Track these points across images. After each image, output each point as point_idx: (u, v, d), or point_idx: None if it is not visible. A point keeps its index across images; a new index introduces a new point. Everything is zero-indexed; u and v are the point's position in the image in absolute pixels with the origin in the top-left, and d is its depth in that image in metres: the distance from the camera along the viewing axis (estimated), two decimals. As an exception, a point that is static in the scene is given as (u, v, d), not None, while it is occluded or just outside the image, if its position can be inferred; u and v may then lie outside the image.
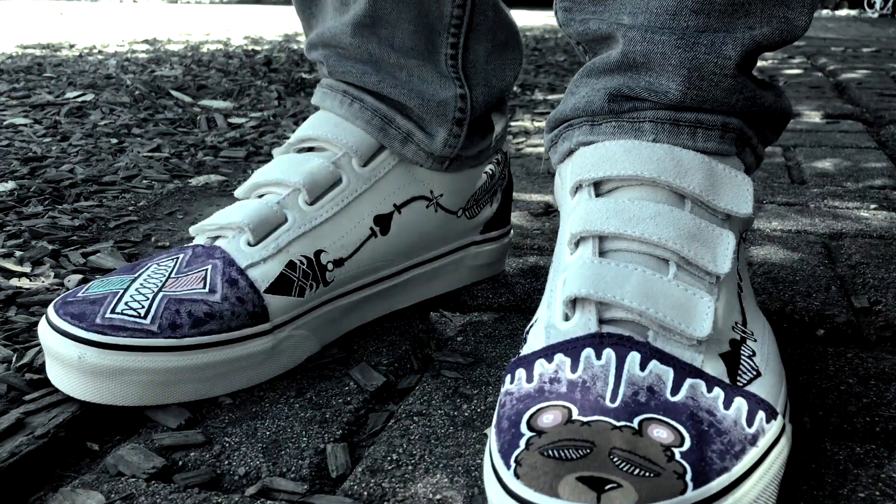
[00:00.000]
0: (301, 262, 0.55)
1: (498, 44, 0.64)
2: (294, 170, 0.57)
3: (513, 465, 0.35)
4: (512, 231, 0.75)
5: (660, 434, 0.35)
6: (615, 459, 0.34)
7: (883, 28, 4.85)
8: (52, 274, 0.72)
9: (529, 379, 0.40)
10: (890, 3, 6.82)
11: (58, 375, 0.50)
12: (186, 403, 0.51)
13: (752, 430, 0.37)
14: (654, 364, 0.39)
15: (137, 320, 0.49)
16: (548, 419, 0.37)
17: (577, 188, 0.49)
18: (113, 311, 0.49)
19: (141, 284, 0.51)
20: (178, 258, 0.54)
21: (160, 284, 0.51)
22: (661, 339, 0.41)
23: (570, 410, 0.37)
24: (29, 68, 2.19)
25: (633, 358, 0.39)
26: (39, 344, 0.56)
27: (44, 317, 0.51)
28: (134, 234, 0.85)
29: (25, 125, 1.43)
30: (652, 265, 0.43)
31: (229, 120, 1.53)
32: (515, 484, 0.34)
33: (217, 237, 0.56)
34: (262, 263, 0.54)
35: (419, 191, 0.62)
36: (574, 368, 0.39)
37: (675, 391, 0.38)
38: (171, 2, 8.35)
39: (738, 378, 0.41)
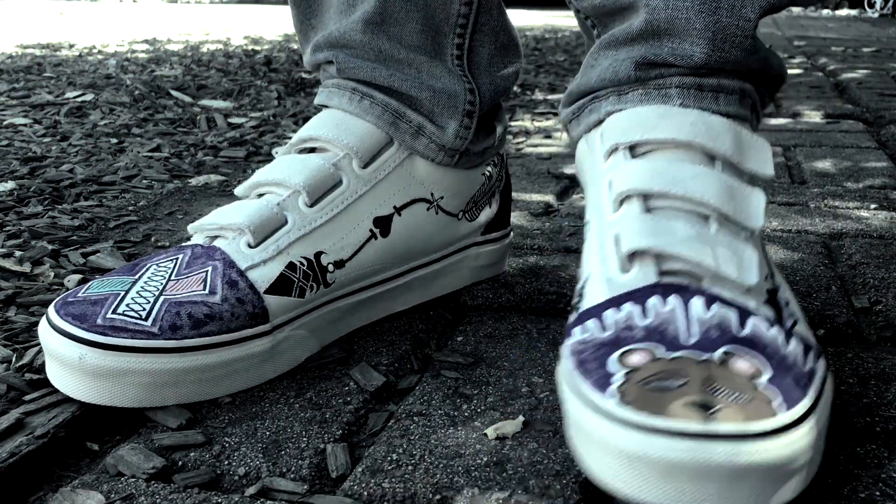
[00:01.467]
0: (301, 264, 0.55)
1: (500, 45, 0.65)
2: (295, 171, 0.57)
3: (616, 394, 0.37)
4: (512, 232, 0.75)
5: (741, 366, 0.38)
6: (710, 389, 0.36)
7: (883, 28, 4.85)
8: (52, 274, 0.72)
9: (604, 328, 0.42)
10: (890, 3, 6.82)
11: (58, 376, 0.50)
12: (186, 403, 0.51)
13: (809, 366, 0.40)
14: (717, 306, 0.41)
15: (138, 322, 0.49)
16: (635, 359, 0.39)
17: (613, 151, 0.51)
18: (114, 312, 0.49)
19: (142, 287, 0.51)
20: (177, 259, 0.54)
21: (161, 287, 0.51)
22: (716, 287, 0.43)
23: (653, 351, 0.39)
24: (29, 68, 2.19)
25: (698, 301, 0.41)
26: (39, 344, 0.56)
27: (44, 317, 0.51)
28: (134, 234, 0.85)
29: (25, 125, 1.43)
30: (695, 221, 0.46)
31: (229, 120, 1.53)
32: (623, 411, 0.36)
33: (216, 237, 0.56)
34: (263, 265, 0.54)
35: (420, 193, 0.62)
36: (645, 315, 0.41)
37: (741, 329, 0.40)
38: (171, 2, 8.35)
39: (783, 323, 0.43)
